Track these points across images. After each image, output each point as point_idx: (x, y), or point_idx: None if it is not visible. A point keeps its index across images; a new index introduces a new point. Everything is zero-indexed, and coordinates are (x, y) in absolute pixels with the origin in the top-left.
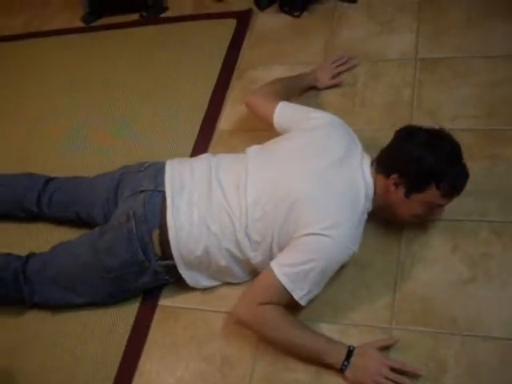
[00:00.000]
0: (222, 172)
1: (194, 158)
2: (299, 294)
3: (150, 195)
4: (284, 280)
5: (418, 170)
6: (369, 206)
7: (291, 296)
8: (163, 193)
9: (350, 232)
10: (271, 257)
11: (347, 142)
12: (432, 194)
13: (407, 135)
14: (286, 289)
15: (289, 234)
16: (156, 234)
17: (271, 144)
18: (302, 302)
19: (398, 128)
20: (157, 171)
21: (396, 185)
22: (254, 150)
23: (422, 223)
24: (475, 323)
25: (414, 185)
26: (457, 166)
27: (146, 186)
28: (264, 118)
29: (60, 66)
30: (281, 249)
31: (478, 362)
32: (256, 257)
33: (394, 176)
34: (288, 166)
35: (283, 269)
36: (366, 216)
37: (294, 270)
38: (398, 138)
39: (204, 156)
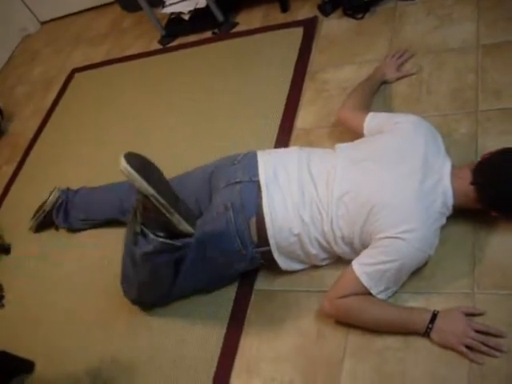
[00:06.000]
0: (314, 166)
1: (282, 150)
2: (376, 291)
3: (245, 186)
4: (363, 278)
5: None
6: (447, 212)
7: (369, 292)
8: (258, 182)
9: (425, 237)
10: (354, 250)
11: (429, 147)
12: None
13: None
14: (364, 285)
15: (369, 234)
16: (253, 221)
17: (359, 145)
18: (381, 297)
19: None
20: (250, 163)
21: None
22: (343, 148)
23: None
24: None
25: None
26: None
27: (240, 178)
28: (355, 129)
29: (146, 83)
30: (363, 245)
31: None
32: (339, 248)
33: (495, 214)
34: (371, 171)
35: (363, 268)
36: (444, 221)
37: (372, 268)
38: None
39: (293, 149)
